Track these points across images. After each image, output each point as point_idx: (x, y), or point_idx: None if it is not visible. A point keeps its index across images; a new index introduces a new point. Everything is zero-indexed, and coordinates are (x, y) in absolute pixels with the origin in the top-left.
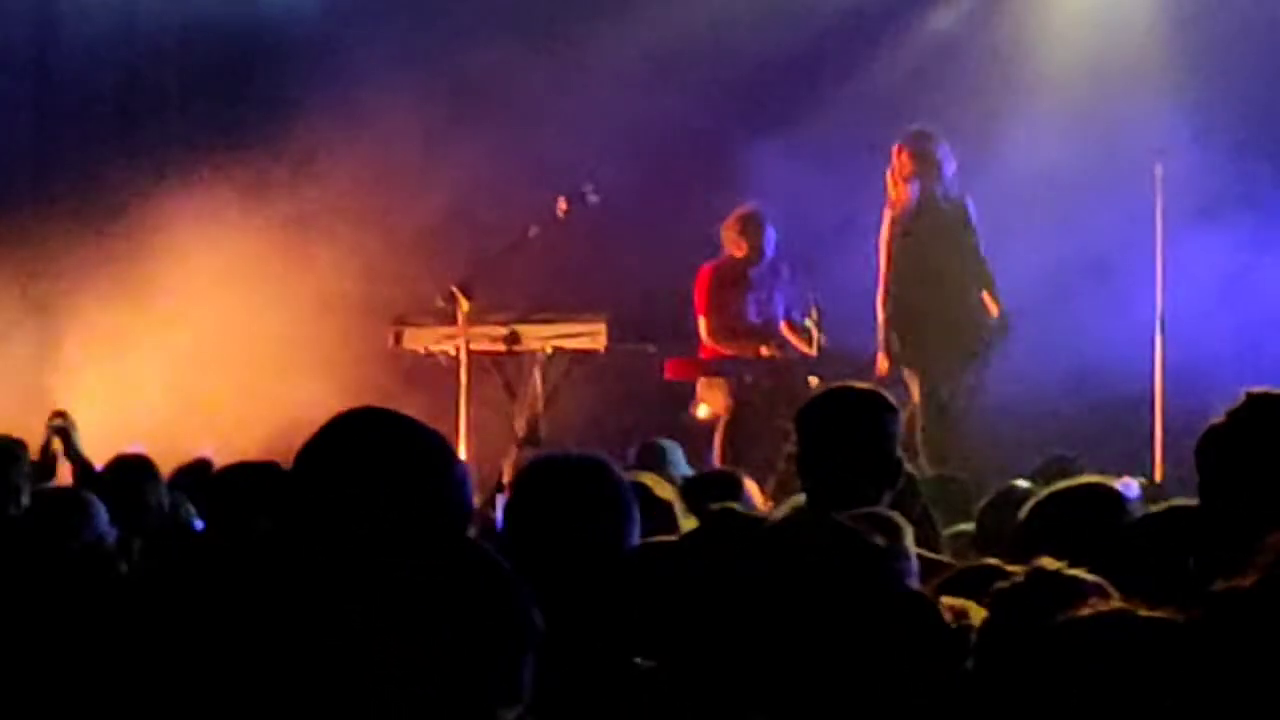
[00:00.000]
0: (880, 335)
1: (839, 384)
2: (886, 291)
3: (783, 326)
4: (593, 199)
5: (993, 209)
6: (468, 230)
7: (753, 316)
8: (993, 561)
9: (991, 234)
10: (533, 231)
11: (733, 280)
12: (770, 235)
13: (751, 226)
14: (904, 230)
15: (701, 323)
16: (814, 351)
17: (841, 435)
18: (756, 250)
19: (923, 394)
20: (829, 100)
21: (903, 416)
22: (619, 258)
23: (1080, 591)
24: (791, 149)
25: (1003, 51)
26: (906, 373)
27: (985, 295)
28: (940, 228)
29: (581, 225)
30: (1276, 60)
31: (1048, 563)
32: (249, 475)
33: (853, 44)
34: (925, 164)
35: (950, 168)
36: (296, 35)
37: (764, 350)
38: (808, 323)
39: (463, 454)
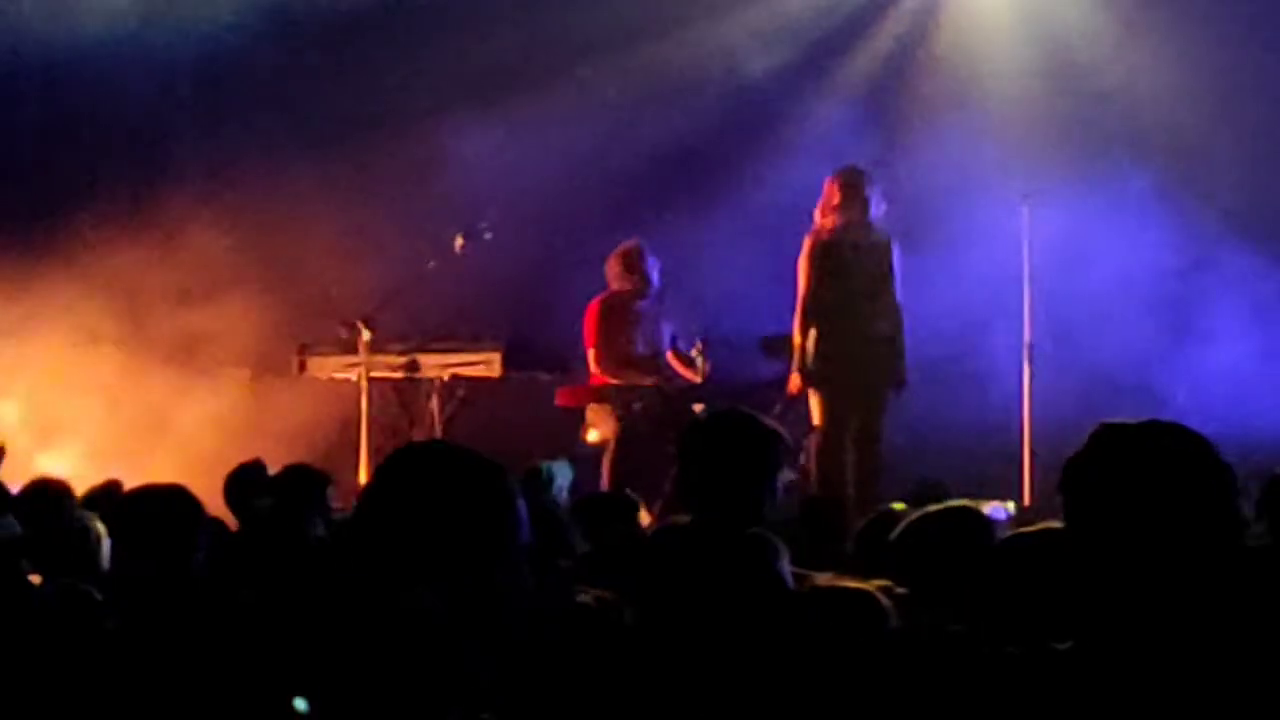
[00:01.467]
0: (795, 355)
1: (721, 409)
2: (804, 314)
3: (669, 356)
4: (488, 236)
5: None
6: (371, 265)
7: (639, 347)
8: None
9: None
10: (432, 265)
11: (619, 313)
12: (655, 269)
13: (636, 261)
14: (823, 258)
15: (590, 353)
16: (699, 379)
17: (722, 459)
18: (642, 284)
19: (825, 418)
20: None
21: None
22: (514, 291)
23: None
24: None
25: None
26: (813, 395)
27: (895, 334)
28: (859, 261)
29: (478, 260)
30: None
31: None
32: (157, 497)
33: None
34: (852, 198)
35: (879, 208)
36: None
37: (650, 379)
38: (693, 352)
39: (362, 477)
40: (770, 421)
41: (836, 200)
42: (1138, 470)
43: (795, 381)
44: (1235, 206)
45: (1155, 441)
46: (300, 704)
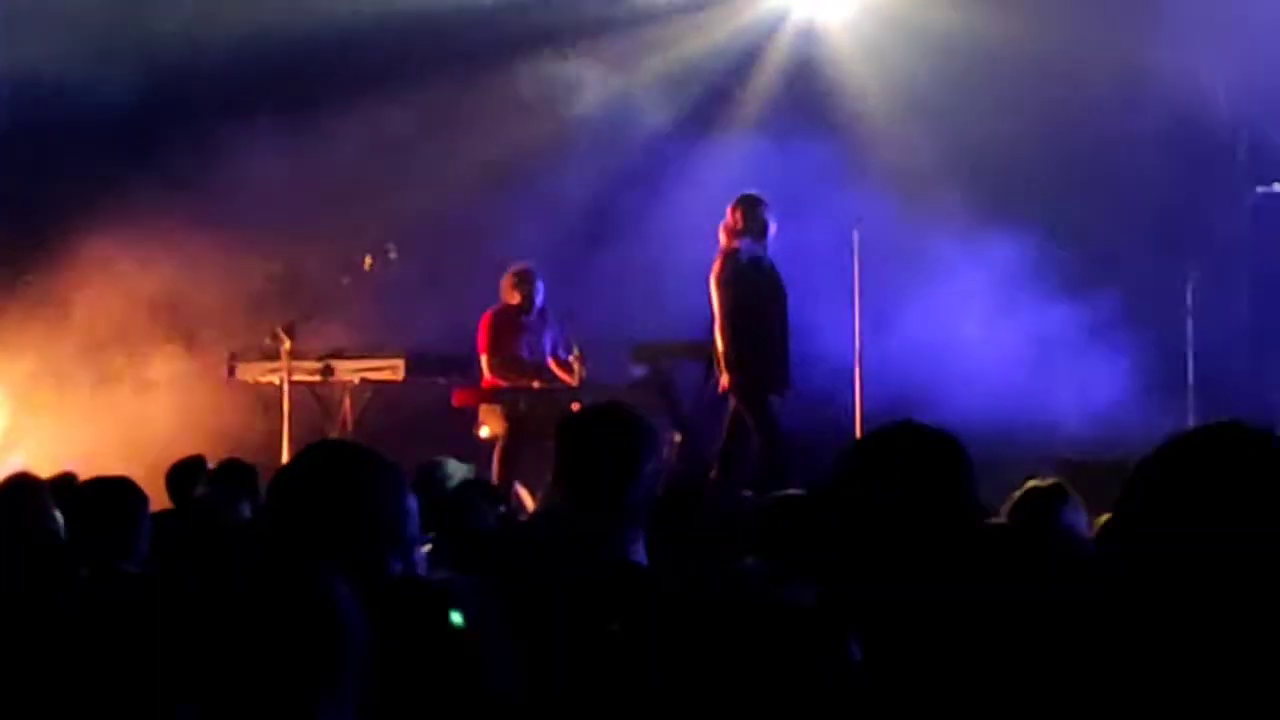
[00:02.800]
0: (720, 359)
1: (592, 405)
2: (725, 324)
3: (550, 362)
4: (393, 256)
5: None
6: (291, 281)
7: (525, 354)
8: None
9: None
10: (344, 282)
11: (508, 324)
12: (540, 287)
13: (525, 280)
14: (733, 274)
15: (483, 359)
16: (576, 382)
17: (589, 448)
18: (528, 300)
19: (741, 413)
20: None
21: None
22: (415, 303)
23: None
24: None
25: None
26: (739, 396)
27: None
28: (766, 277)
29: (384, 278)
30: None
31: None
32: (107, 487)
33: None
34: (753, 222)
35: (773, 230)
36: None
37: (535, 382)
38: (571, 359)
39: None
40: (640, 415)
41: (740, 226)
42: (887, 459)
43: (725, 380)
44: (1055, 229)
45: (905, 437)
46: (456, 618)
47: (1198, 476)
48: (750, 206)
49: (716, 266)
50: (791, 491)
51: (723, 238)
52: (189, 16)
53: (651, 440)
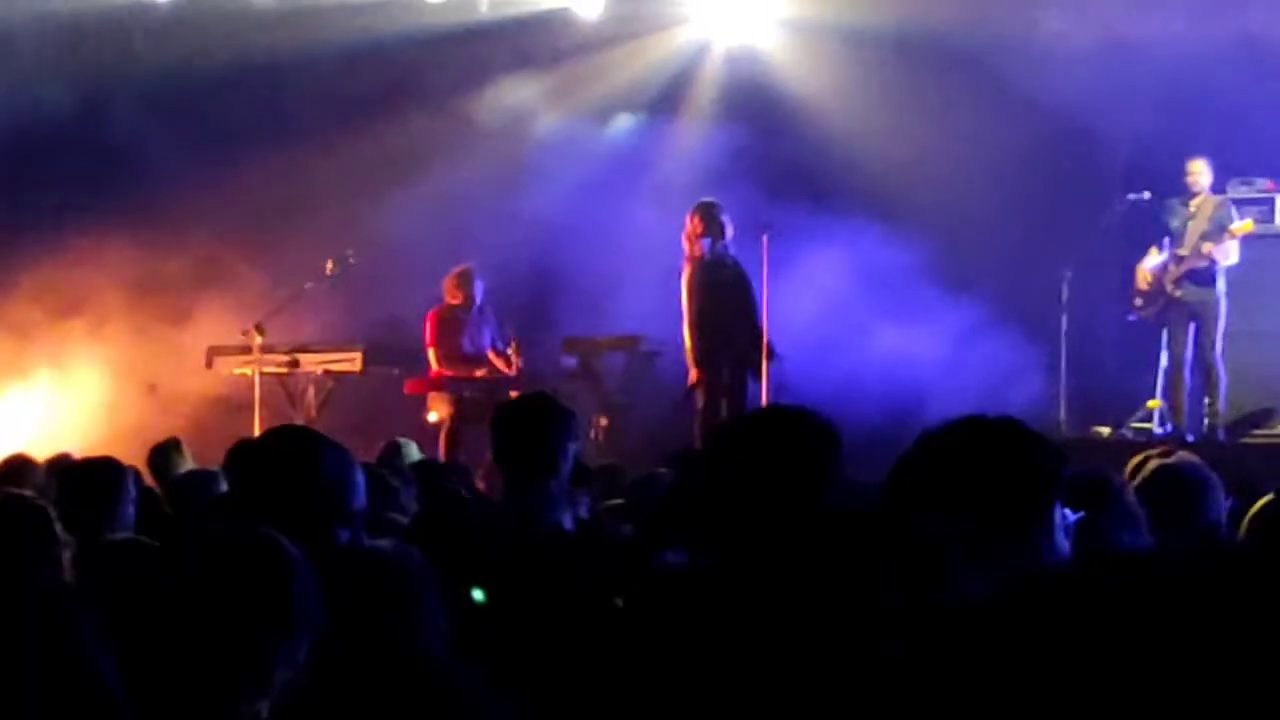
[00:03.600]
0: (690, 354)
1: (522, 395)
2: (693, 323)
3: (490, 354)
4: (353, 261)
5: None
6: (261, 283)
7: (467, 347)
8: None
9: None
10: (308, 285)
11: (452, 321)
12: (479, 287)
13: (465, 281)
14: (702, 277)
15: (430, 352)
16: (513, 372)
17: (523, 431)
18: (469, 298)
19: (709, 399)
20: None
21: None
22: (371, 304)
23: None
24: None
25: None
26: (700, 387)
27: (754, 331)
28: (728, 276)
29: (344, 280)
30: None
31: None
32: (93, 464)
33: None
34: (712, 226)
35: (730, 231)
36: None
37: (477, 372)
38: (509, 351)
39: None
40: (565, 402)
41: (700, 231)
42: (748, 439)
43: (695, 373)
44: (937, 239)
45: (768, 419)
46: (478, 594)
47: (949, 460)
48: (708, 211)
49: (686, 272)
50: (661, 470)
51: (685, 245)
52: (186, 47)
53: (573, 425)
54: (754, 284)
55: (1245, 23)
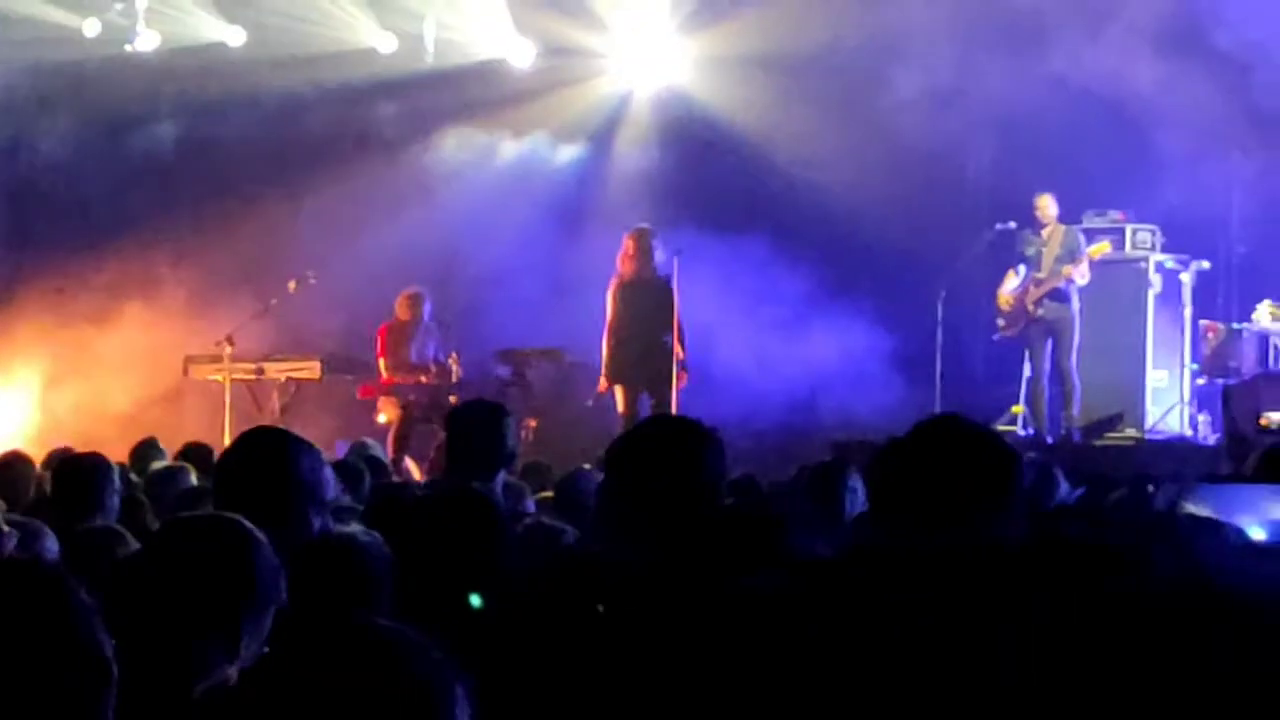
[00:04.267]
0: (604, 364)
1: (467, 400)
2: (611, 335)
3: (433, 364)
4: (312, 281)
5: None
6: (233, 301)
7: (414, 357)
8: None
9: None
10: (273, 302)
11: (400, 335)
12: (427, 307)
13: (416, 301)
14: (624, 294)
15: (380, 362)
16: (454, 380)
17: (467, 432)
18: (417, 316)
19: (627, 405)
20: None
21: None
22: (328, 319)
23: None
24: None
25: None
26: (618, 390)
27: (676, 343)
28: (649, 295)
29: (305, 298)
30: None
31: None
32: (80, 459)
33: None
34: (642, 250)
35: (660, 255)
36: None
37: (422, 379)
38: (449, 361)
39: None
40: (504, 406)
41: (632, 253)
42: (641, 446)
43: (604, 383)
44: (829, 262)
45: (658, 427)
46: (475, 600)
47: (923, 462)
48: (641, 236)
49: (611, 287)
50: (586, 467)
51: (619, 263)
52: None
53: (510, 426)
54: (675, 303)
55: (1062, 69)
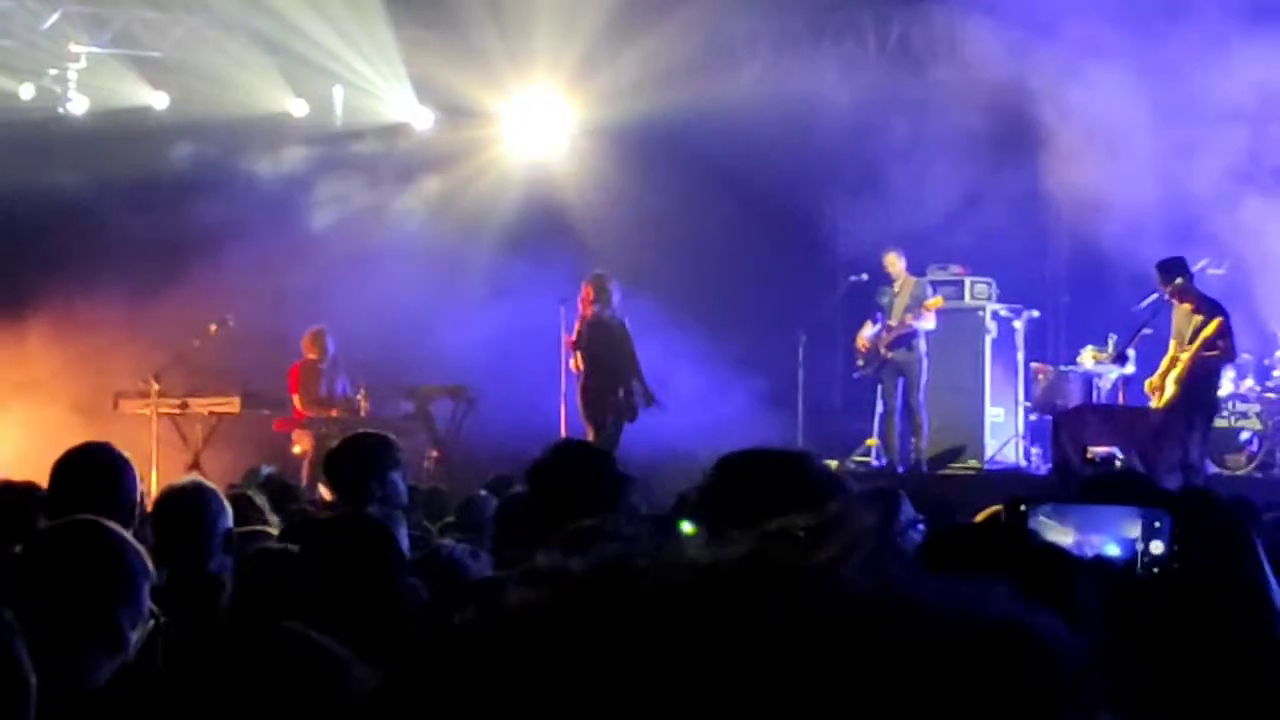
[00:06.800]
0: (580, 400)
1: (349, 435)
2: (584, 379)
3: (342, 400)
4: (231, 324)
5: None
6: (157, 341)
7: (323, 393)
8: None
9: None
10: (196, 343)
11: (310, 372)
12: (330, 344)
13: (319, 338)
14: (588, 336)
15: (294, 397)
16: (362, 414)
17: (350, 464)
18: (324, 352)
19: (597, 440)
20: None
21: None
22: (247, 357)
23: None
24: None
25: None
26: (590, 426)
27: (635, 381)
28: (610, 336)
29: (225, 340)
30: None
31: None
32: (18, 489)
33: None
34: (601, 294)
35: (618, 297)
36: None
37: (333, 413)
38: (357, 396)
39: (153, 484)
40: (392, 437)
41: (591, 298)
42: (542, 473)
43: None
44: (700, 310)
45: (555, 455)
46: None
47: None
48: (598, 281)
49: (577, 329)
50: (482, 493)
51: (580, 307)
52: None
53: (393, 455)
54: (632, 343)
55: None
